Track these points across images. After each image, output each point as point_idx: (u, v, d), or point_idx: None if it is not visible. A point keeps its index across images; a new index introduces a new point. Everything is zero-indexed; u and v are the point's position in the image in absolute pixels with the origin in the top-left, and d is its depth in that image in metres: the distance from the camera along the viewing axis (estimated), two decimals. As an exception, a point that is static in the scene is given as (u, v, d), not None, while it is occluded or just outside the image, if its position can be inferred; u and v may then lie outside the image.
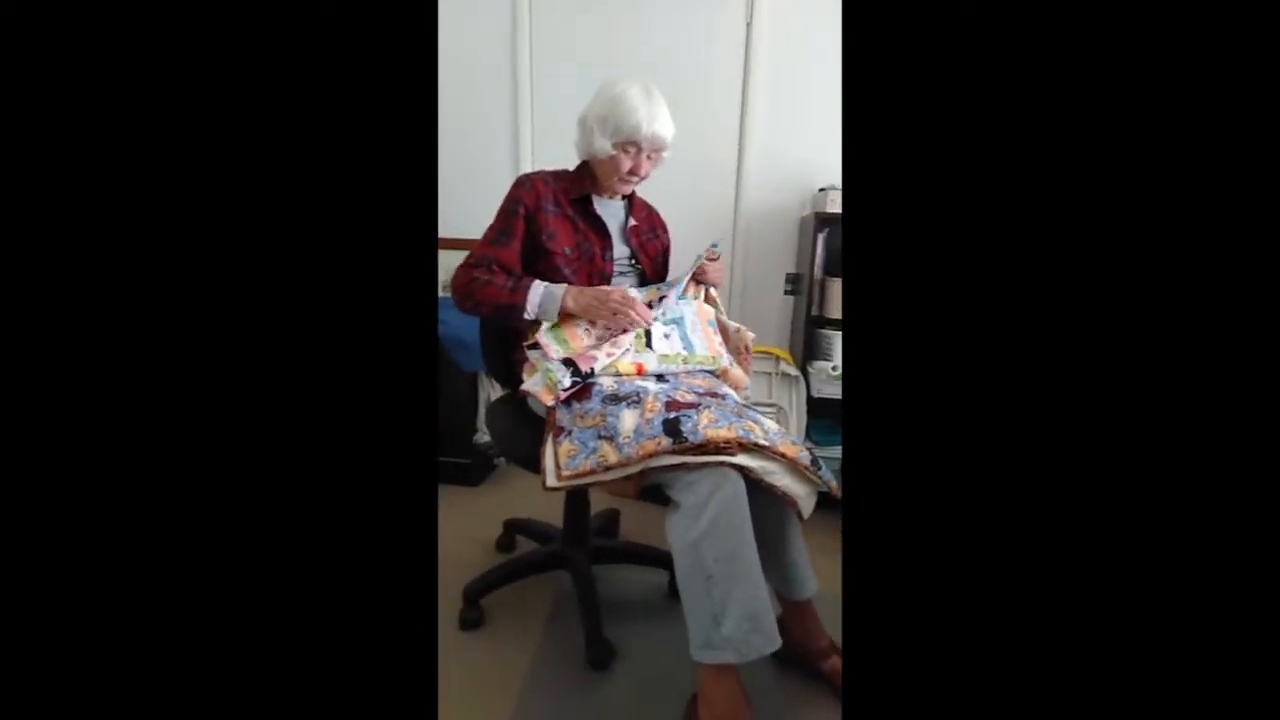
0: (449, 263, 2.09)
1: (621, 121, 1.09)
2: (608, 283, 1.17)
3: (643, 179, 1.18)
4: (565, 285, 1.08)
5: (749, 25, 1.91)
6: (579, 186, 1.18)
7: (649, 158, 1.15)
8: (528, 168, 2.03)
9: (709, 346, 1.13)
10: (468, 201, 1.95)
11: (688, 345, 1.11)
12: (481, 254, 1.12)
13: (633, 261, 1.22)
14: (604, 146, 1.12)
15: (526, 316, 1.07)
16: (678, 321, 1.13)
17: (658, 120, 1.10)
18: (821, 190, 1.73)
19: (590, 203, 1.18)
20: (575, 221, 1.16)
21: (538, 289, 1.06)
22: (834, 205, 1.67)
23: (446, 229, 1.98)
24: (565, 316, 1.08)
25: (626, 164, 1.13)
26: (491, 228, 1.14)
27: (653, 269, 1.25)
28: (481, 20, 1.99)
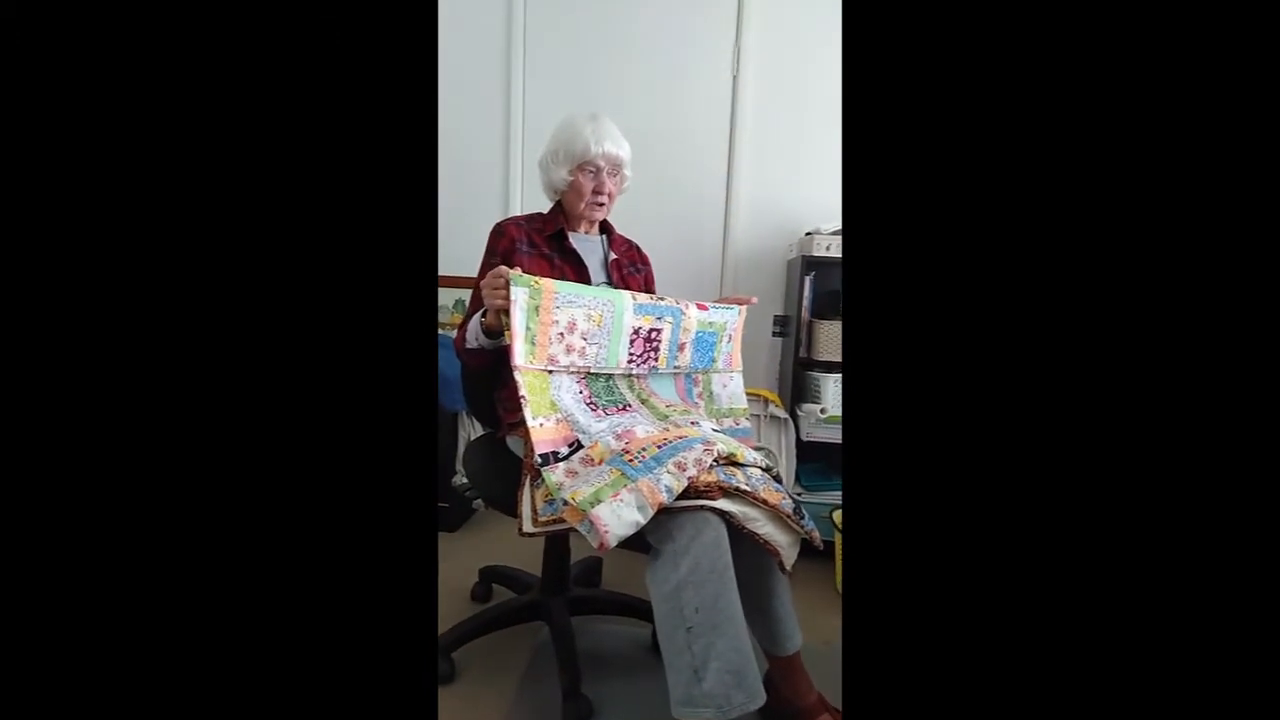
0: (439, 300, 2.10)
1: (572, 146, 1.14)
2: None
3: (610, 200, 1.20)
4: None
5: (735, 77, 1.98)
6: (553, 224, 1.20)
7: (610, 175, 1.17)
8: (517, 209, 2.05)
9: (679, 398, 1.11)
10: (457, 240, 1.96)
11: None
12: (467, 314, 1.14)
13: None
14: (563, 176, 1.16)
15: (470, 346, 1.07)
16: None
17: (607, 139, 1.14)
18: (809, 234, 1.74)
19: (565, 239, 1.19)
20: (551, 259, 1.17)
21: (472, 321, 1.07)
22: (821, 248, 1.68)
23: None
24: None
25: (589, 185, 1.16)
26: (475, 285, 1.16)
27: None
28: (472, 69, 2.03)
